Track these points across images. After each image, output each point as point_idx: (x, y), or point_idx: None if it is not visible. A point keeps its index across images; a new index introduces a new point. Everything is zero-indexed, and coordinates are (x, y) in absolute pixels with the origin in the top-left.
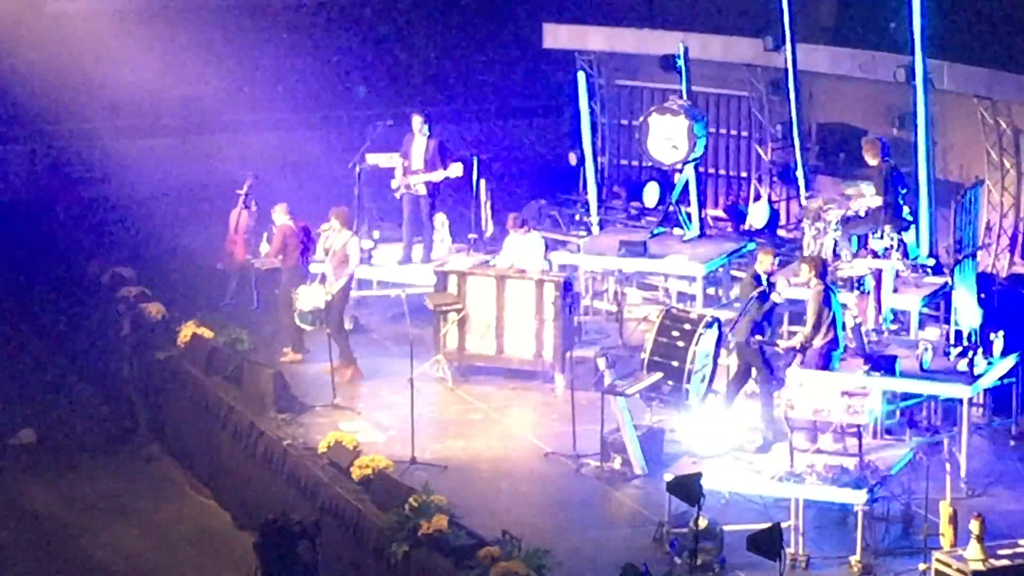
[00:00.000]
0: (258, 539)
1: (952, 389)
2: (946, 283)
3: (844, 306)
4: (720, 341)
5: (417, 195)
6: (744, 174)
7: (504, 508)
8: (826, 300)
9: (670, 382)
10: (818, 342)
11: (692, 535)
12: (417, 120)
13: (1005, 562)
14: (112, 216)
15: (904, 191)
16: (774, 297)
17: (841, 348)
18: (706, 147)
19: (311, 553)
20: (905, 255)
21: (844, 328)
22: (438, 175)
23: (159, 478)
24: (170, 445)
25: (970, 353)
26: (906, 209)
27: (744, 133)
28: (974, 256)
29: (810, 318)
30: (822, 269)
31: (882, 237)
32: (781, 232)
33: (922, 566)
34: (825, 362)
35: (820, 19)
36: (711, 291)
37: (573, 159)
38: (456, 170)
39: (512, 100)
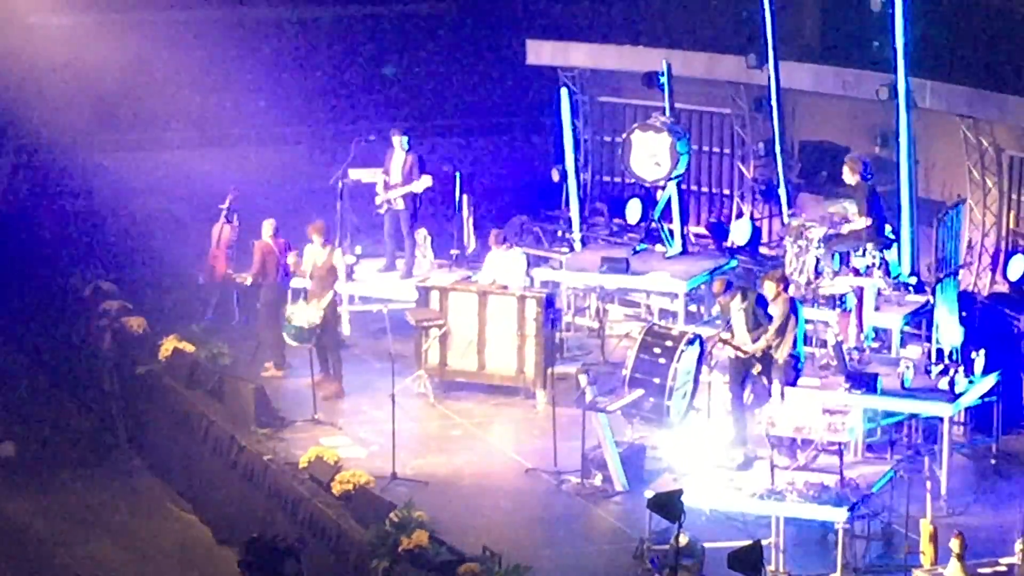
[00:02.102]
0: (243, 556)
1: (933, 407)
2: (928, 301)
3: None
4: (702, 358)
5: (397, 210)
6: (727, 191)
7: (485, 524)
8: (793, 308)
9: (651, 399)
10: (783, 350)
11: (673, 552)
12: (397, 137)
13: None
14: (94, 230)
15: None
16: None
17: (803, 363)
18: (688, 164)
19: (297, 570)
20: (887, 273)
21: (804, 344)
22: (409, 188)
23: (139, 492)
24: (151, 459)
25: (951, 371)
26: (888, 227)
27: (727, 150)
28: (956, 275)
29: (777, 321)
30: (786, 281)
31: (864, 255)
32: (763, 250)
33: None
34: (795, 376)
35: (803, 37)
36: (693, 308)
37: (556, 175)
38: (422, 183)
39: (495, 116)
